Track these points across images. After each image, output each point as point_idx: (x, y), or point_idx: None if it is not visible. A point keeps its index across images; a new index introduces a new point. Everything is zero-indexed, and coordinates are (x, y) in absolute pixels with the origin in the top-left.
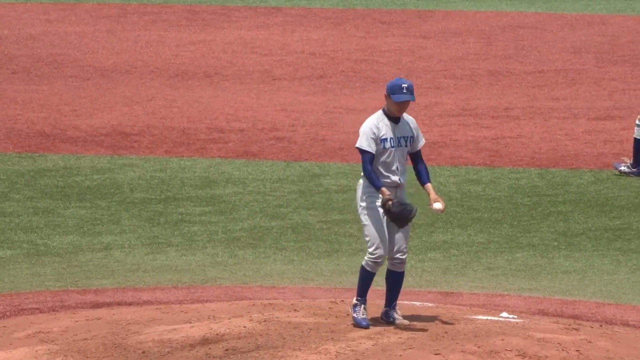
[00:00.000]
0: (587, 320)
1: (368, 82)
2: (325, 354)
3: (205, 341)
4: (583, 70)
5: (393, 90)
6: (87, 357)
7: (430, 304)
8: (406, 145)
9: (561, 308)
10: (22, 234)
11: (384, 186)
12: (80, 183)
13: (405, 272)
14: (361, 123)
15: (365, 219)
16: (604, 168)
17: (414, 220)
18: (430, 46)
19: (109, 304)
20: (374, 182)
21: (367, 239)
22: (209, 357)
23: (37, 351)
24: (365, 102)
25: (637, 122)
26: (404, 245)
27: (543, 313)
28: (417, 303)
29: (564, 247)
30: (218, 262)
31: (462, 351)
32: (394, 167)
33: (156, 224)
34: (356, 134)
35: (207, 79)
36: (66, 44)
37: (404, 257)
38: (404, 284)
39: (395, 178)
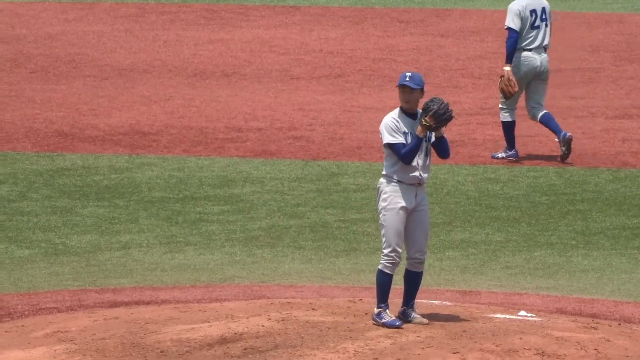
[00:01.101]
0: (606, 319)
1: (386, 81)
2: (344, 353)
3: (223, 340)
4: (600, 69)
5: (399, 81)
6: (106, 357)
7: (448, 303)
8: (427, 140)
9: (579, 307)
10: (40, 233)
11: (404, 182)
12: (98, 182)
13: (424, 271)
14: (379, 122)
15: (384, 219)
16: (622, 167)
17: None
18: (448, 45)
19: (127, 303)
20: (415, 148)
21: (384, 239)
22: (228, 356)
23: (55, 350)
24: (384, 101)
25: (500, 105)
26: (424, 246)
27: (561, 312)
28: (436, 302)
29: (582, 245)
30: (236, 261)
31: (480, 350)
32: (414, 163)
33: (174, 223)
34: (374, 133)
35: (225, 78)
36: (84, 43)
37: (423, 257)
38: (422, 283)
39: (416, 174)
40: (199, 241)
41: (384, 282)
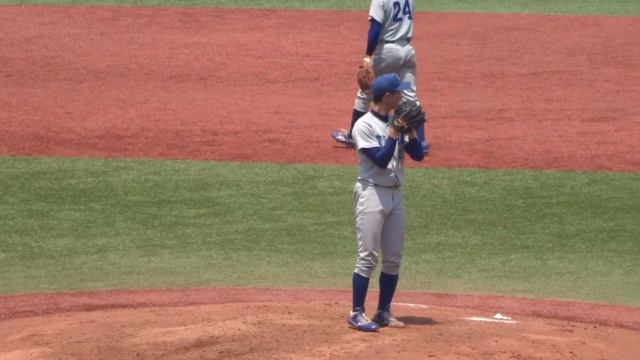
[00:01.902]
0: (581, 322)
1: None
2: (320, 357)
3: (199, 344)
4: (577, 71)
5: (396, 84)
6: None
7: (424, 306)
8: (400, 143)
9: (555, 309)
10: (16, 236)
11: (381, 186)
12: (74, 186)
13: (400, 275)
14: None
15: (361, 223)
16: (598, 170)
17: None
18: (424, 48)
19: (103, 307)
20: (389, 150)
21: (360, 243)
22: (204, 359)
23: (31, 354)
24: None
25: (358, 94)
26: (400, 249)
27: (537, 314)
28: (411, 305)
29: (558, 248)
30: (212, 264)
31: (456, 353)
32: (389, 166)
33: (150, 226)
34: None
35: (201, 82)
36: (60, 46)
37: (399, 260)
38: (398, 286)
39: (392, 176)
40: (175, 244)
41: (360, 286)
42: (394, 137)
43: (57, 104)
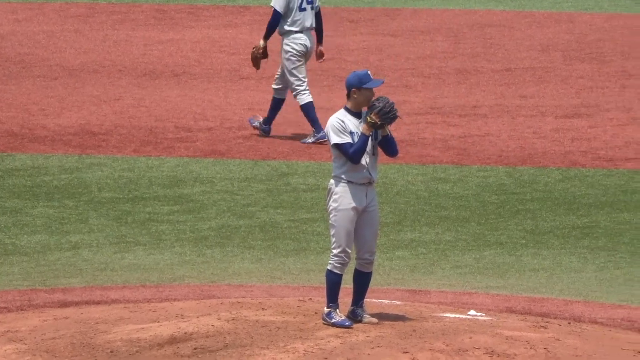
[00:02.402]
0: (555, 318)
1: (336, 81)
2: (294, 353)
3: (173, 340)
4: (551, 68)
5: (364, 80)
6: (56, 357)
7: (398, 302)
8: (374, 139)
9: (529, 306)
10: None
11: (354, 182)
12: (48, 182)
13: (373, 271)
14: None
15: (334, 219)
16: (572, 166)
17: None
18: (398, 44)
19: (77, 303)
20: (362, 146)
21: (334, 239)
22: (178, 356)
23: (5, 351)
24: (333, 100)
25: (295, 87)
26: (374, 246)
27: (511, 311)
28: (385, 301)
29: (531, 245)
30: (186, 260)
31: (430, 349)
32: (363, 162)
33: (124, 223)
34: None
35: (175, 78)
36: (34, 43)
37: (372, 257)
38: (372, 282)
39: (365, 173)
40: (148, 241)
41: (333, 282)
42: (367, 133)
43: (31, 100)
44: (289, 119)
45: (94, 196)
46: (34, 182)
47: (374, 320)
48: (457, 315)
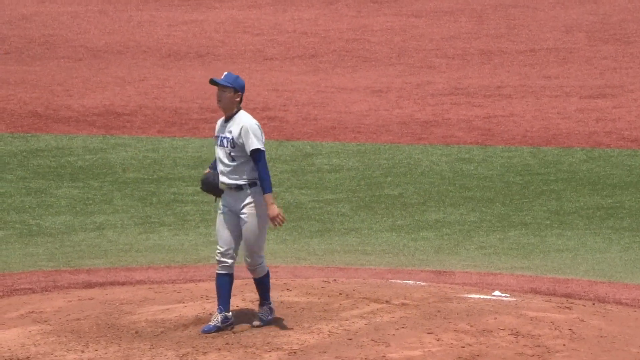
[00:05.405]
0: (580, 299)
1: (360, 62)
2: (318, 334)
3: (198, 321)
4: (575, 49)
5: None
6: (81, 337)
7: (422, 283)
8: (226, 146)
9: (554, 286)
10: (14, 214)
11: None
12: (72, 163)
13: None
14: (353, 102)
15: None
16: (596, 146)
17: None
18: (422, 25)
19: (101, 284)
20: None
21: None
22: (202, 337)
23: (30, 331)
24: (357, 81)
25: None
26: (247, 252)
27: (535, 292)
28: (410, 282)
29: (556, 225)
30: (211, 241)
31: (454, 330)
32: (219, 167)
33: (149, 203)
34: (349, 113)
35: (199, 59)
36: (58, 24)
37: (250, 261)
38: (397, 263)
39: (222, 178)
40: (173, 222)
41: (217, 284)
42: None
43: (56, 81)
44: (313, 99)
45: (119, 177)
46: (59, 163)
47: (257, 323)
48: (482, 296)
